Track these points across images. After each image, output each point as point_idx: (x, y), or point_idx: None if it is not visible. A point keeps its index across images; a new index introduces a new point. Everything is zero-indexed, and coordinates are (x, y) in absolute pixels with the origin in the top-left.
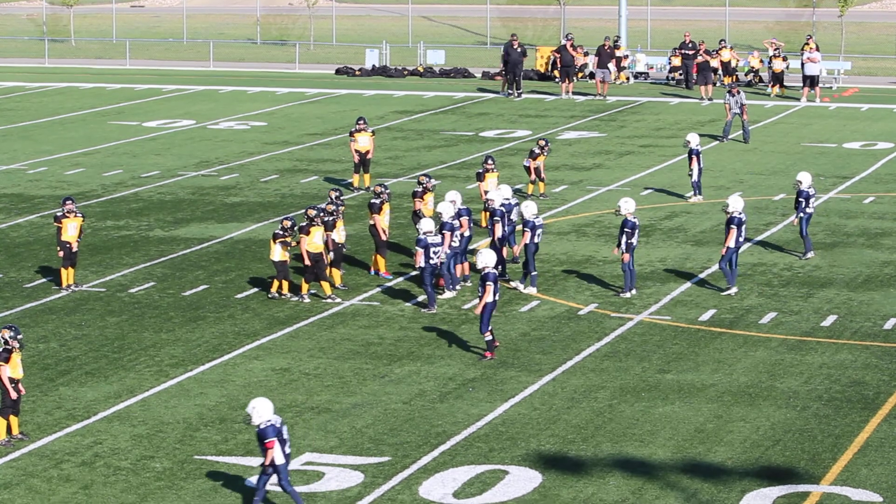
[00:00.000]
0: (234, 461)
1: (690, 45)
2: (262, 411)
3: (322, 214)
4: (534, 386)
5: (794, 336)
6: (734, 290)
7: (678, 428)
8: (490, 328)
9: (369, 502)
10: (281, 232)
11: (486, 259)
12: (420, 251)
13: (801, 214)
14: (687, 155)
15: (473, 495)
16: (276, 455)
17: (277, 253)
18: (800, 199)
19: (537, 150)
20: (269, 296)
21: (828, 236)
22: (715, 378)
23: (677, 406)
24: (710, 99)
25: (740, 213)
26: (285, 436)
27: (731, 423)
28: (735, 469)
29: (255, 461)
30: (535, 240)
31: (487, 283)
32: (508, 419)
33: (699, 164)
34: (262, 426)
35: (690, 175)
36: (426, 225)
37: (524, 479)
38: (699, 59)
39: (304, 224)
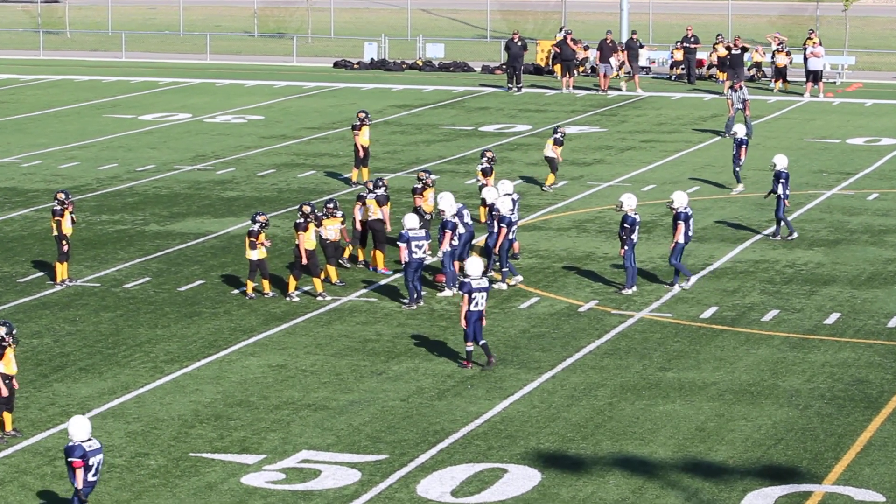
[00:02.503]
0: (230, 458)
1: (693, 39)
2: (73, 431)
3: (322, 210)
4: (533, 383)
5: (796, 334)
6: (690, 283)
7: (679, 426)
8: (473, 340)
9: (366, 501)
10: (257, 229)
11: (469, 267)
12: (403, 246)
13: (781, 195)
14: (736, 146)
15: (472, 494)
16: (77, 478)
17: (255, 252)
18: (780, 181)
19: (560, 137)
20: (249, 297)
21: (831, 233)
22: (716, 376)
23: (678, 404)
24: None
25: (685, 209)
26: (92, 462)
27: (732, 421)
28: (736, 468)
29: (252, 459)
30: (510, 236)
31: (461, 292)
32: (507, 417)
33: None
34: (70, 444)
35: (739, 165)
36: (410, 221)
37: (523, 477)
38: (734, 52)
39: (301, 221)
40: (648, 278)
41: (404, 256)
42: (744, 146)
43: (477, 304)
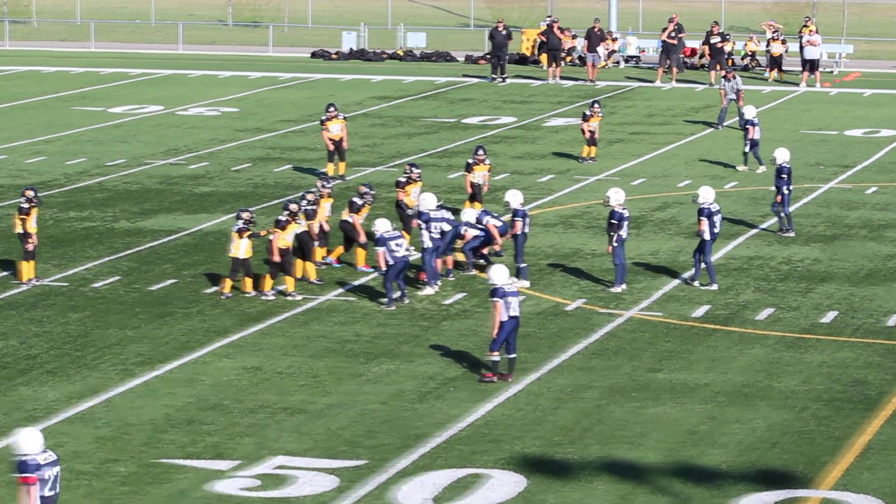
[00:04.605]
0: (203, 465)
1: (677, 28)
2: (23, 444)
3: (300, 209)
4: (518, 385)
5: (792, 333)
6: (697, 283)
7: (670, 429)
8: (511, 355)
9: None
10: (245, 226)
11: (495, 275)
12: (381, 251)
13: (786, 191)
14: (742, 127)
15: (454, 500)
16: (31, 497)
17: (243, 249)
18: (782, 176)
19: (588, 112)
20: (224, 296)
21: (828, 228)
22: (709, 377)
23: (669, 407)
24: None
25: (710, 204)
26: (48, 476)
27: (725, 424)
28: (730, 473)
29: (225, 465)
30: (525, 229)
31: (494, 299)
32: (491, 420)
33: (755, 135)
34: (21, 459)
35: (747, 144)
36: (382, 225)
37: (508, 483)
38: (712, 41)
39: (283, 219)
40: (638, 276)
41: (383, 261)
42: (751, 126)
43: (513, 309)
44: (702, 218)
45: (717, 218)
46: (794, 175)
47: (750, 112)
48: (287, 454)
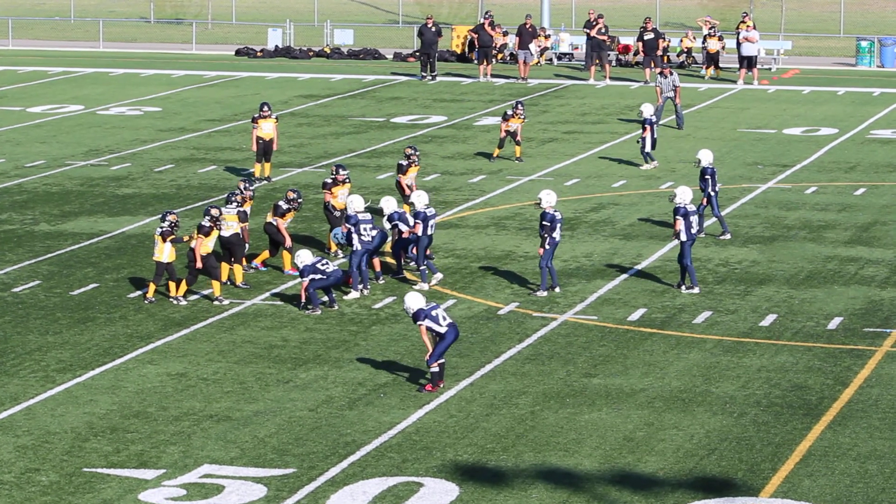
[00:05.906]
0: (127, 474)
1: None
2: None
3: (222, 215)
4: (450, 391)
5: (730, 337)
6: (696, 289)
7: (606, 436)
8: (440, 361)
9: None
10: (168, 229)
11: (409, 302)
12: (306, 281)
13: (712, 193)
14: (641, 125)
15: None
16: None
17: (167, 253)
18: (706, 177)
19: (510, 112)
20: (148, 301)
21: (767, 229)
22: (645, 382)
23: (605, 413)
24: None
25: (687, 204)
26: None
27: (662, 430)
28: (667, 480)
29: (150, 474)
30: (429, 231)
31: (419, 323)
32: (423, 427)
33: (652, 135)
34: None
35: (640, 144)
36: (305, 256)
37: (440, 491)
38: (646, 37)
39: (206, 225)
40: (572, 278)
41: (304, 291)
42: (649, 126)
43: (445, 319)
44: (678, 217)
45: (694, 218)
46: (732, 175)
47: (648, 111)
48: (213, 462)
